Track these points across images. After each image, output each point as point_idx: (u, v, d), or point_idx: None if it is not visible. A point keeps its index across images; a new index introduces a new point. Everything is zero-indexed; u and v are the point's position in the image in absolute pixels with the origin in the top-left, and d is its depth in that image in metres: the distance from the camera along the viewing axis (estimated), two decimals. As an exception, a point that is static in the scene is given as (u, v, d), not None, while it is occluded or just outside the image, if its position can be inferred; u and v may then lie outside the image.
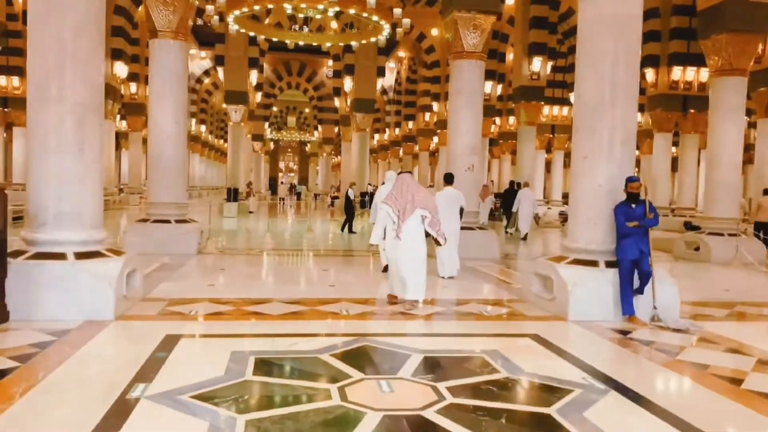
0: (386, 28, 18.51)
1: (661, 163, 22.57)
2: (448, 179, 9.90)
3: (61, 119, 5.62)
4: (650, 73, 22.49)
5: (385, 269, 8.82)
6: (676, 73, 21.99)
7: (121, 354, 4.78)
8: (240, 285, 7.84)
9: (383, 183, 15.19)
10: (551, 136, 32.47)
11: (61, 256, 5.54)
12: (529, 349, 5.11)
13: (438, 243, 6.87)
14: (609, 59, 6.56)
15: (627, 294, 6.17)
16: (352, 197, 17.44)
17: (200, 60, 43.22)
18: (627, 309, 6.17)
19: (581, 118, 6.91)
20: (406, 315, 6.22)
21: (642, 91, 25.49)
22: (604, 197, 6.54)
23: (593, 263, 6.47)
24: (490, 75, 31.59)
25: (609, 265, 6.41)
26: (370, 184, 24.79)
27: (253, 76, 26.89)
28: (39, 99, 5.64)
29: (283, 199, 36.74)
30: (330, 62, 42.74)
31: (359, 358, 4.65)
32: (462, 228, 11.30)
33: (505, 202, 19.58)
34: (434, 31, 33.02)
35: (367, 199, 25.49)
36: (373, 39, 20.05)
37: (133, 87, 33.68)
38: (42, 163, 5.64)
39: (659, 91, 22.43)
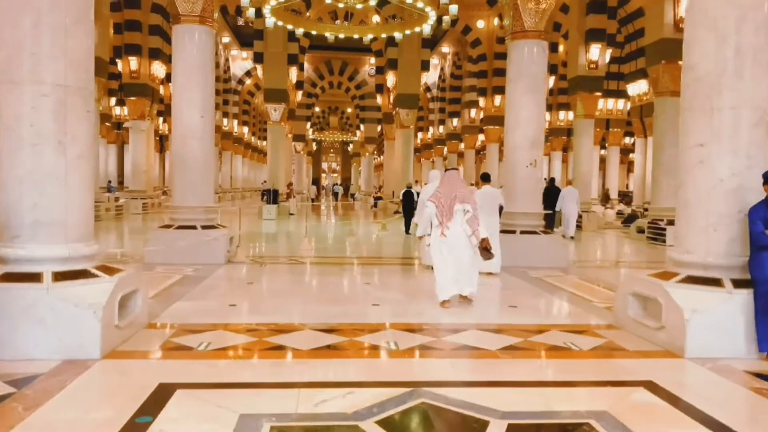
0: (432, 16, 17.13)
1: None
2: (485, 178, 9.67)
3: (35, 104, 4.46)
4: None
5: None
6: None
7: (88, 422, 3.49)
8: (267, 305, 6.60)
9: (426, 183, 14.19)
10: (605, 131, 30.48)
11: (35, 278, 4.38)
12: (649, 408, 3.68)
13: (485, 249, 6.49)
14: (733, 16, 5.05)
15: (767, 324, 4.67)
16: (415, 196, 16.14)
17: (242, 60, 42.70)
18: (767, 344, 4.67)
19: (693, 96, 5.44)
20: (474, 351, 4.86)
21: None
22: (728, 196, 5.04)
23: (715, 282, 4.97)
24: (498, 90, 29.95)
25: (737, 284, 4.90)
26: (417, 182, 23.46)
27: (293, 74, 25.87)
28: (8, 79, 4.49)
29: (313, 200, 35.41)
30: (372, 60, 41.72)
31: (416, 426, 3.32)
32: (524, 232, 9.95)
33: (546, 201, 17.62)
34: (480, 24, 31.46)
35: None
36: (417, 29, 18.68)
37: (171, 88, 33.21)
38: (13, 159, 4.49)
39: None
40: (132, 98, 24.15)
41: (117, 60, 25.46)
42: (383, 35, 20.28)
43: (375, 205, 31.23)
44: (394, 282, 8.47)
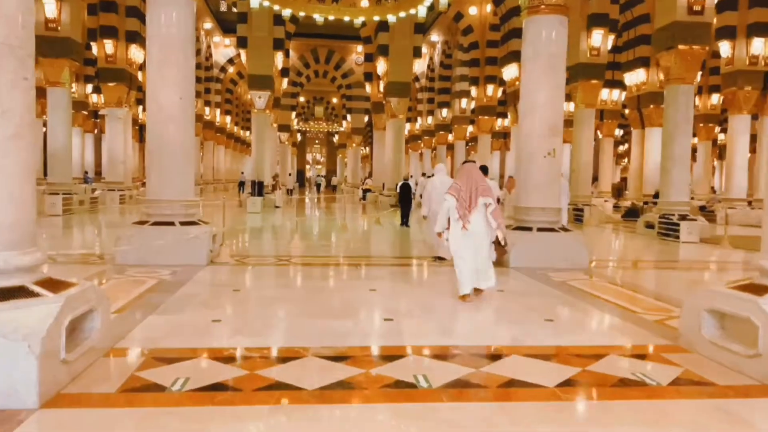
0: (429, -4, 16.06)
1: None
2: (484, 171, 9.07)
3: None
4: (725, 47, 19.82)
5: (438, 258, 9.25)
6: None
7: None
8: (258, 320, 5.50)
9: (431, 175, 13.70)
10: (600, 122, 29.63)
11: (-52, 300, 3.26)
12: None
13: (499, 244, 6.48)
14: None
15: None
16: (413, 188, 16.63)
17: (224, 48, 41.28)
18: None
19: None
20: (527, 389, 3.81)
21: (715, 70, 22.88)
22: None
23: (825, 299, 3.99)
24: (490, 80, 29.10)
25: None
26: (428, 176, 22.39)
27: (279, 60, 24.62)
28: None
29: (291, 191, 34.21)
30: (359, 48, 40.46)
31: None
32: (541, 229, 9.01)
33: None
34: (472, 10, 30.38)
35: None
36: (412, 11, 17.58)
37: None
38: None
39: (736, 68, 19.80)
40: (108, 84, 22.73)
41: (92, 44, 24.03)
42: (375, 18, 19.13)
43: (364, 198, 30.14)
44: (404, 287, 7.41)
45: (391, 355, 4.34)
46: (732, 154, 20.50)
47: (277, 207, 22.75)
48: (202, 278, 7.51)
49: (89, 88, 31.47)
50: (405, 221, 15.79)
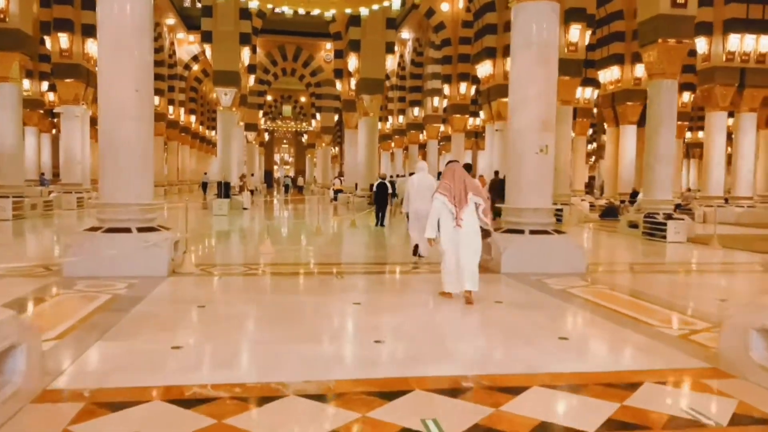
0: (404, -13, 15.34)
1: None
2: (467, 169, 9.11)
3: None
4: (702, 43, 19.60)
5: (415, 251, 9.26)
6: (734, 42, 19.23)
7: None
8: (226, 345, 4.68)
9: (411, 173, 13.35)
10: (573, 120, 29.38)
11: None
12: None
13: (487, 234, 6.64)
14: None
15: None
16: (390, 188, 16.42)
17: (188, 45, 40.00)
18: None
19: None
20: None
21: (691, 68, 22.69)
22: None
23: None
24: (464, 77, 28.66)
25: None
26: (399, 176, 21.66)
27: (246, 55, 23.63)
28: None
29: (253, 191, 33.31)
30: (329, 45, 39.57)
31: None
32: (534, 232, 8.36)
33: (494, 194, 16.44)
34: (444, 6, 29.81)
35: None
36: (386, 3, 16.84)
37: None
38: None
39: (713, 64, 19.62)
40: (64, 80, 21.45)
41: (45, 38, 22.73)
42: (347, 11, 18.32)
43: (335, 199, 29.30)
44: (390, 299, 6.66)
45: (389, 392, 3.58)
46: (709, 151, 20.30)
47: (244, 209, 21.80)
48: (162, 292, 6.64)
49: (45, 85, 29.96)
50: (381, 222, 15.61)
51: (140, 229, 7.79)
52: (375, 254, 10.90)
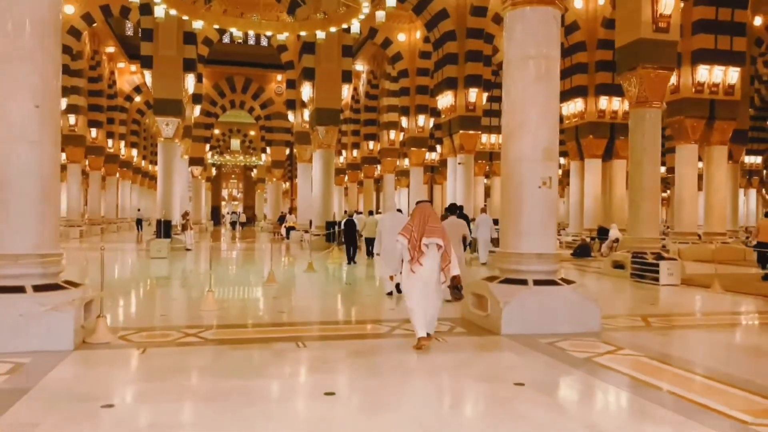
0: (365, 7, 14.03)
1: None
2: (452, 210, 10.40)
3: None
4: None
5: (390, 294, 9.38)
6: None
7: None
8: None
9: (379, 212, 12.54)
10: (489, 162, 28.98)
11: None
12: None
13: (453, 290, 6.13)
14: None
15: None
16: (357, 225, 16.62)
17: (130, 74, 37.81)
18: None
19: None
20: None
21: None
22: None
23: None
24: (422, 110, 28.30)
25: None
26: (357, 212, 20.21)
27: (190, 82, 21.79)
28: None
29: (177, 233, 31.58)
30: (279, 77, 38.09)
31: None
32: (538, 282, 6.81)
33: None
34: (401, 37, 28.85)
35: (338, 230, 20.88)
36: (345, 25, 15.48)
37: (71, 119, 28.49)
38: None
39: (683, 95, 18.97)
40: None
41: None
42: (302, 33, 16.86)
43: (287, 237, 27.42)
44: (375, 384, 4.93)
45: None
46: (681, 185, 19.47)
47: (188, 250, 19.73)
48: (57, 379, 4.77)
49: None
50: (352, 259, 15.62)
51: (38, 288, 5.89)
52: (341, 308, 9.19)
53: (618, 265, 13.58)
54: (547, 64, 7.15)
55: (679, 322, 8.22)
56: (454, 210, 10.85)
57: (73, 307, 5.85)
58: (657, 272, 12.21)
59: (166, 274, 13.62)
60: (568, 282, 7.21)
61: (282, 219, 36.22)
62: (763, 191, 41.47)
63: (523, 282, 6.96)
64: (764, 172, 40.88)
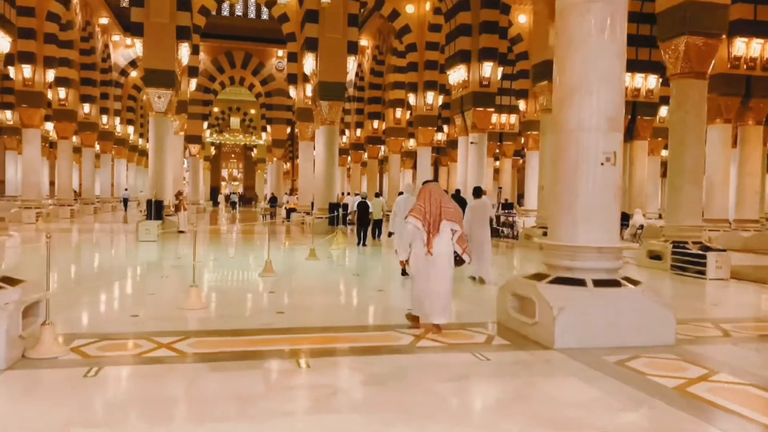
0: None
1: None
2: (477, 193, 10.04)
3: None
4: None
5: (404, 272, 9.04)
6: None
7: None
8: None
9: (401, 193, 12.59)
10: (527, 133, 27.28)
11: None
12: None
13: (461, 262, 6.07)
14: None
15: None
16: (370, 208, 16.24)
17: (125, 48, 36.14)
18: None
19: None
20: None
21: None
22: None
23: None
24: (431, 86, 26.74)
25: None
26: (376, 194, 18.95)
27: (184, 53, 20.26)
28: None
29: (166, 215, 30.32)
30: (280, 52, 36.45)
31: None
32: (599, 283, 5.40)
33: None
34: (409, 8, 27.19)
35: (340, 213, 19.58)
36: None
37: (62, 92, 27.07)
38: None
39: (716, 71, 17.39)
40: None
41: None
42: (305, -4, 15.30)
43: (287, 218, 26.06)
44: (395, 417, 3.58)
45: None
46: (712, 168, 17.96)
47: (180, 232, 18.35)
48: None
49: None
50: (363, 242, 15.43)
51: (-39, 288, 4.53)
52: (350, 308, 7.81)
53: (655, 256, 12.19)
54: (613, 12, 5.69)
55: (764, 330, 6.81)
56: (479, 193, 10.26)
57: (5, 313, 4.48)
58: (702, 264, 10.86)
59: (151, 261, 12.25)
60: (634, 282, 5.81)
61: (273, 200, 34.84)
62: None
63: (580, 282, 5.57)
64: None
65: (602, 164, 5.63)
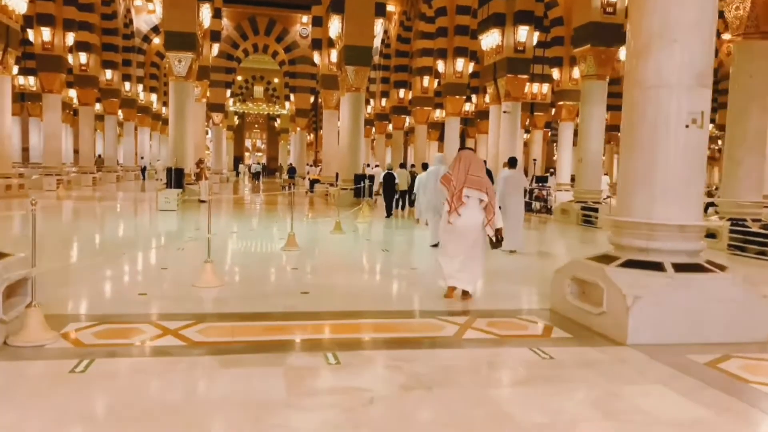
0: None
1: None
2: (512, 163, 9.92)
3: None
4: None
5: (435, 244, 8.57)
6: None
7: None
8: None
9: (401, 164, 11.50)
10: (559, 104, 26.01)
11: None
12: None
13: (498, 244, 5.88)
14: None
15: None
16: (396, 179, 15.59)
17: (148, 14, 35.38)
18: None
19: None
20: None
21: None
22: None
23: None
24: (461, 52, 25.40)
25: None
26: (401, 165, 18.25)
27: (206, 15, 19.43)
28: None
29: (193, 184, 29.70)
30: (305, 18, 35.40)
31: None
32: (680, 268, 4.51)
33: None
34: (440, -31, 25.88)
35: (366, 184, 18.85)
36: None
37: (83, 57, 26.53)
38: None
39: None
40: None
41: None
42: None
43: (311, 190, 25.35)
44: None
45: None
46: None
47: (202, 201, 17.73)
48: None
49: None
50: (389, 213, 15.26)
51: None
52: (381, 289, 7.04)
53: (709, 234, 11.21)
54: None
55: None
56: (514, 163, 10.04)
57: (-19, 294, 3.78)
58: (764, 245, 9.88)
59: (168, 231, 11.62)
60: (721, 267, 4.94)
61: (292, 171, 34.05)
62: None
63: (657, 266, 4.71)
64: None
65: (687, 126, 4.71)
